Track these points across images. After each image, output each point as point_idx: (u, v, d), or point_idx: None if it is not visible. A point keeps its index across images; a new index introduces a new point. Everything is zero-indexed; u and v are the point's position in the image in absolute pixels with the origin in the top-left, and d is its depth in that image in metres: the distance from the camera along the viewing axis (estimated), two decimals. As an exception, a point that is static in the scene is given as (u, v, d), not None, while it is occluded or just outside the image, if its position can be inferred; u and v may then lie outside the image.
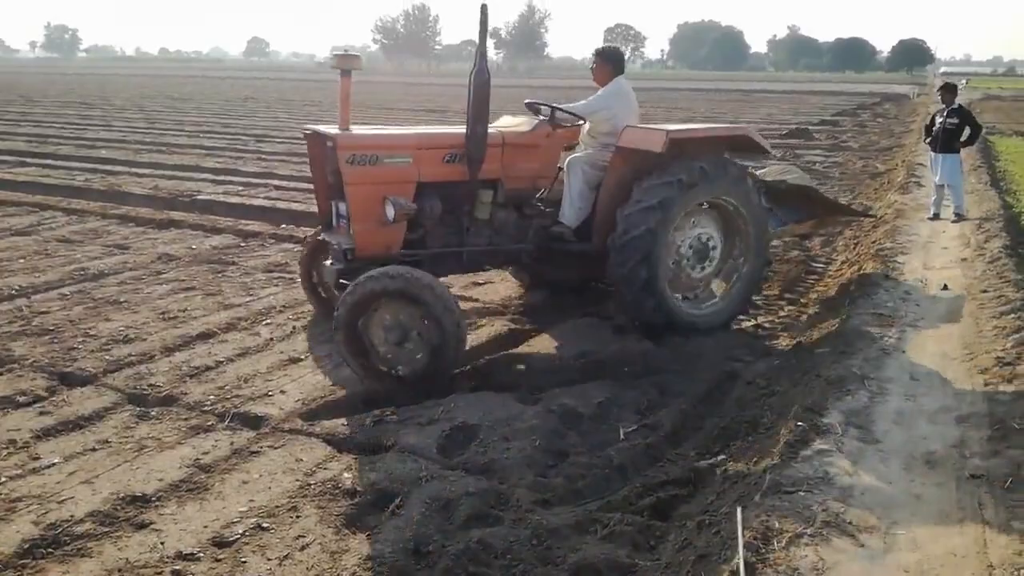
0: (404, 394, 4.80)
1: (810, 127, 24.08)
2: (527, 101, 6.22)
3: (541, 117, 6.00)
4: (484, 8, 5.16)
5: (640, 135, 5.69)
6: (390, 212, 5.18)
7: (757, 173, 6.82)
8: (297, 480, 3.84)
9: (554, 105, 6.00)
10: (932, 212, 9.81)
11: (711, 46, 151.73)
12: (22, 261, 7.81)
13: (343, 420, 4.49)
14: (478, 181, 5.60)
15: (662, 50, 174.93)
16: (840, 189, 12.97)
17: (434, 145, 5.55)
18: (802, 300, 7.09)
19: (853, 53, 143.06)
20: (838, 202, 7.07)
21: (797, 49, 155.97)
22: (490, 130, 5.61)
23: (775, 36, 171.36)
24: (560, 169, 6.06)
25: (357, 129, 5.49)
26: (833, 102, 40.97)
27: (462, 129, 5.52)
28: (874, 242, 8.54)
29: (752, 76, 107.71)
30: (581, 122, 6.14)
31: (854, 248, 8.79)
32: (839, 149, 19.10)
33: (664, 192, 5.55)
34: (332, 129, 5.39)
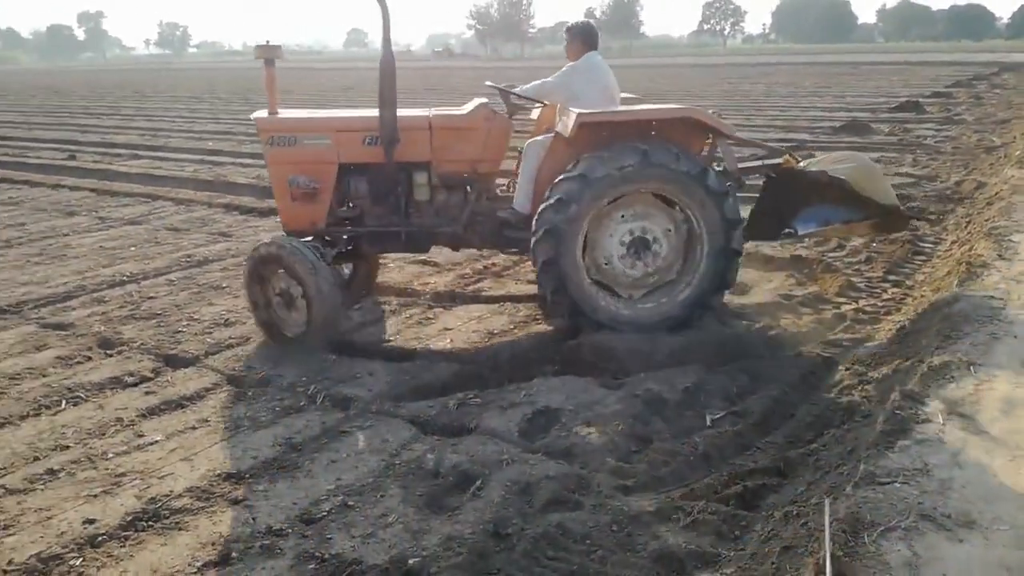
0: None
1: (921, 100, 22.85)
2: (487, 83, 6.08)
3: (486, 101, 5.81)
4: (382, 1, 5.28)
5: (566, 118, 5.39)
6: (288, 190, 5.62)
7: (803, 163, 6.04)
8: (383, 460, 3.92)
9: (501, 86, 5.83)
10: (1054, 187, 9.15)
11: (816, 18, 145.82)
12: (133, 249, 8.25)
13: (428, 402, 4.56)
14: (404, 163, 5.65)
15: (764, 24, 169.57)
16: (952, 165, 12.29)
17: (352, 128, 5.69)
18: (907, 282, 6.76)
19: (970, 21, 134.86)
20: (881, 202, 5.80)
21: (909, 18, 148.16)
22: (419, 114, 5.75)
23: (884, 5, 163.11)
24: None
25: (284, 113, 5.87)
26: (947, 73, 38.79)
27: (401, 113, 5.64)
28: (987, 220, 8.04)
29: (860, 48, 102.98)
30: (539, 105, 5.92)
31: (966, 227, 8.31)
32: (952, 122, 18.08)
33: (567, 186, 5.17)
34: (262, 113, 5.79)
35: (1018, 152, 12.20)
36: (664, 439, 4.09)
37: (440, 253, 7.20)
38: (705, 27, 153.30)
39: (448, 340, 5.57)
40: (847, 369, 4.91)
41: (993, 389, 4.15)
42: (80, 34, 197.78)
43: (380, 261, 7.50)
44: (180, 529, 3.38)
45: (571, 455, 3.92)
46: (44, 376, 5.02)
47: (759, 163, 6.18)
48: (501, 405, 4.45)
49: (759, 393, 4.56)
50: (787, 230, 5.82)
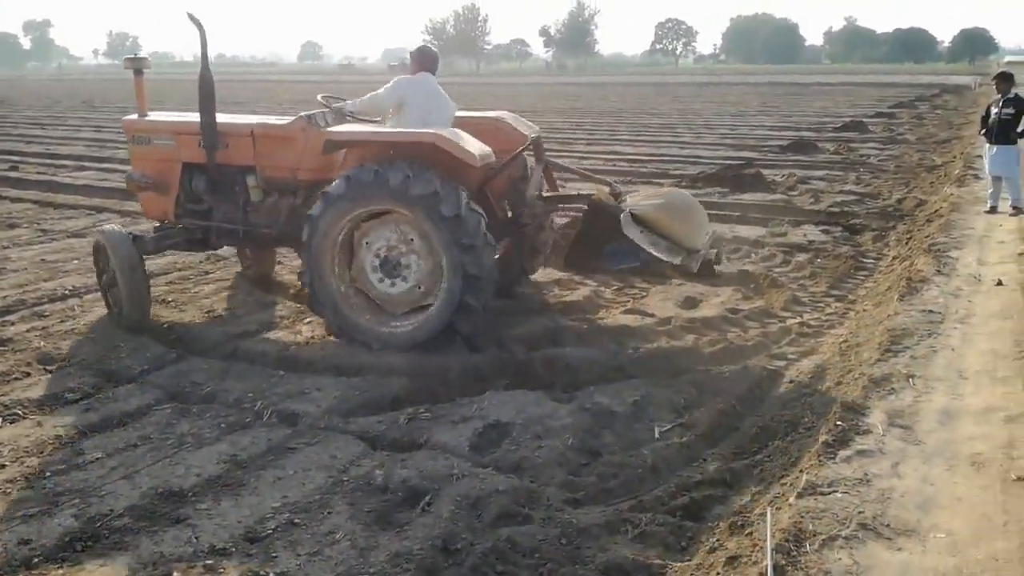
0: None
1: (865, 120, 23.50)
2: (319, 97, 6.40)
3: (311, 113, 6.10)
4: (194, 18, 5.98)
5: None
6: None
7: (627, 197, 5.92)
8: (330, 476, 3.88)
9: (324, 99, 6.23)
10: (989, 205, 9.49)
11: (765, 39, 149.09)
12: (76, 262, 8.05)
13: (378, 417, 4.53)
14: (236, 166, 6.18)
15: (714, 44, 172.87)
16: (895, 183, 12.64)
17: (189, 131, 6.23)
18: (850, 297, 6.92)
19: (912, 44, 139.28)
20: (681, 244, 5.59)
21: (854, 41, 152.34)
22: (245, 122, 6.29)
23: (831, 28, 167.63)
24: None
25: (152, 115, 6.60)
26: (891, 94, 39.94)
27: (226, 119, 6.25)
28: (927, 236, 8.29)
29: (807, 69, 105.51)
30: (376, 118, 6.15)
31: (906, 243, 8.55)
32: (895, 142, 18.61)
33: (321, 201, 5.44)
34: (132, 116, 6.57)
35: (957, 171, 12.60)
36: (613, 452, 4.12)
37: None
38: (658, 47, 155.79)
39: (399, 354, 5.52)
40: (791, 381, 5.01)
41: (931, 400, 4.27)
42: (26, 43, 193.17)
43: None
44: (120, 549, 3.29)
45: (521, 469, 3.93)
46: (-20, 393, 4.86)
47: (573, 193, 6.20)
48: (452, 419, 4.44)
49: (706, 405, 4.62)
50: (596, 263, 5.85)
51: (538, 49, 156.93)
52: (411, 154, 5.34)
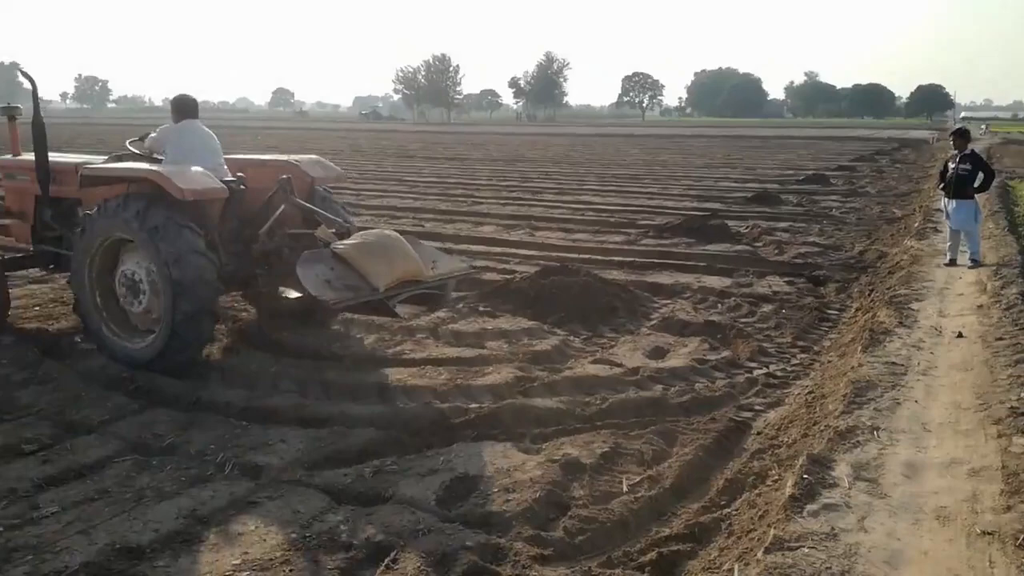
0: None
1: (827, 173, 24.08)
2: (127, 142, 7.20)
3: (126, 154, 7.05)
4: (25, 73, 7.17)
5: None
6: None
7: (352, 235, 6.26)
8: (293, 532, 3.79)
9: (129, 144, 7.07)
10: (948, 258, 9.72)
11: (729, 93, 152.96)
12: (38, 309, 7.89)
13: (343, 470, 4.45)
14: (72, 199, 6.90)
15: (680, 98, 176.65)
16: (856, 235, 12.91)
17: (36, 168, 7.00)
18: (815, 348, 7.00)
19: (871, 99, 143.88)
20: (369, 283, 5.74)
21: (815, 95, 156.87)
22: (72, 160, 7.08)
23: (792, 83, 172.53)
24: None
25: (25, 156, 7.41)
26: (851, 148, 41.02)
27: (61, 158, 7.17)
28: (889, 288, 8.45)
29: (769, 123, 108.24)
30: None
31: (869, 295, 8.71)
32: (856, 195, 19.06)
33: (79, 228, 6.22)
34: (7, 156, 7.63)
35: (917, 224, 12.91)
36: (582, 505, 4.08)
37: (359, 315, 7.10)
38: (625, 99, 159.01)
39: (365, 404, 5.47)
40: (759, 433, 5.03)
41: (896, 453, 4.31)
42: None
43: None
44: (72, 609, 3.18)
45: (489, 524, 3.88)
46: (-70, 444, 4.70)
47: (307, 231, 6.44)
48: (419, 472, 4.39)
49: (674, 457, 4.62)
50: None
51: (508, 99, 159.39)
52: (143, 188, 5.91)
